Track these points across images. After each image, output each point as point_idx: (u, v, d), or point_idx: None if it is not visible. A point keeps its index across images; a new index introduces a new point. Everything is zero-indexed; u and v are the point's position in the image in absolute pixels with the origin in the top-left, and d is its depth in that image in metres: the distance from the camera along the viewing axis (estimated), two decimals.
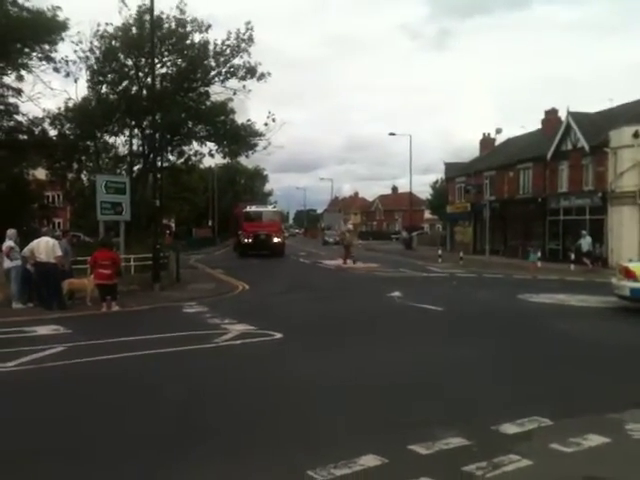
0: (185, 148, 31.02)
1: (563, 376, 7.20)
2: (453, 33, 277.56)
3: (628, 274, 12.70)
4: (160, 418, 5.59)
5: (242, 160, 42.00)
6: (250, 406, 5.93)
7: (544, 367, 7.69)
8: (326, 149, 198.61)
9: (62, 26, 24.31)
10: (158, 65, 25.19)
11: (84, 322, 11.98)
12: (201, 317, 12.11)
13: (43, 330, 10.43)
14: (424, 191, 74.76)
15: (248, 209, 39.14)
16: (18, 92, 25.46)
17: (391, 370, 7.49)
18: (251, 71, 28.07)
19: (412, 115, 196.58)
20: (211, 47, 27.56)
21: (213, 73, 28.31)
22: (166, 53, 27.31)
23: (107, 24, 26.48)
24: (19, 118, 26.30)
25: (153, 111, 20.67)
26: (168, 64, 27.85)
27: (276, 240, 36.79)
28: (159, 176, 20.32)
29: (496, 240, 35.01)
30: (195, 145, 30.96)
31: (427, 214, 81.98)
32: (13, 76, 25.04)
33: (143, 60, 26.38)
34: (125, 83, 27.76)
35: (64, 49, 41.46)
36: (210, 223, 61.24)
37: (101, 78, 27.42)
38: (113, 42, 26.80)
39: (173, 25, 26.86)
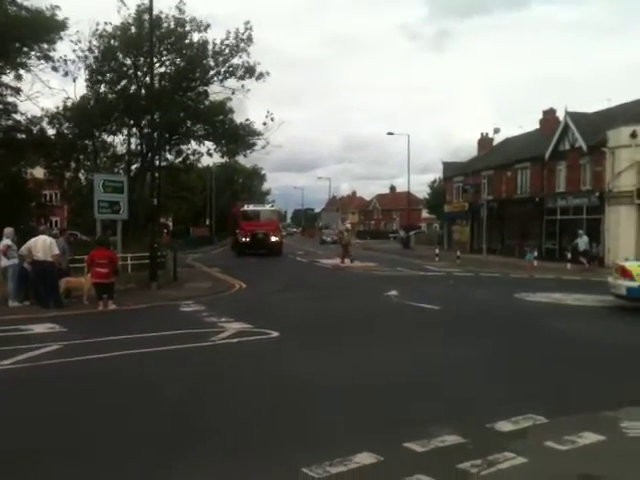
0: (183, 147, 31.15)
1: (559, 374, 7.22)
2: (452, 33, 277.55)
3: (624, 273, 12.73)
4: (158, 416, 5.59)
5: (240, 159, 41.94)
6: (247, 405, 5.94)
7: (540, 365, 7.71)
8: (324, 149, 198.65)
9: (61, 25, 24.32)
10: (157, 64, 25.22)
11: (80, 320, 11.98)
12: (198, 316, 12.12)
13: (39, 328, 10.44)
14: (422, 190, 75.17)
15: (246, 208, 39.05)
16: (17, 91, 25.48)
17: (388, 369, 7.50)
18: (250, 71, 28.11)
19: (411, 115, 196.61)
20: (210, 47, 27.61)
21: (212, 72, 28.33)
22: (165, 52, 27.34)
23: (106, 23, 26.60)
24: (17, 117, 26.33)
25: (152, 110, 20.64)
26: (167, 63, 27.91)
27: (274, 239, 36.75)
28: (157, 175, 20.35)
29: (493, 239, 35.07)
30: (193, 144, 31.10)
31: (425, 213, 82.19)
32: (12, 75, 25.11)
33: (142, 59, 26.36)
34: (124, 82, 27.78)
35: (63, 48, 41.72)
36: (208, 222, 61.14)
37: (100, 77, 27.45)
38: (112, 41, 26.82)
39: (172, 24, 26.89)
